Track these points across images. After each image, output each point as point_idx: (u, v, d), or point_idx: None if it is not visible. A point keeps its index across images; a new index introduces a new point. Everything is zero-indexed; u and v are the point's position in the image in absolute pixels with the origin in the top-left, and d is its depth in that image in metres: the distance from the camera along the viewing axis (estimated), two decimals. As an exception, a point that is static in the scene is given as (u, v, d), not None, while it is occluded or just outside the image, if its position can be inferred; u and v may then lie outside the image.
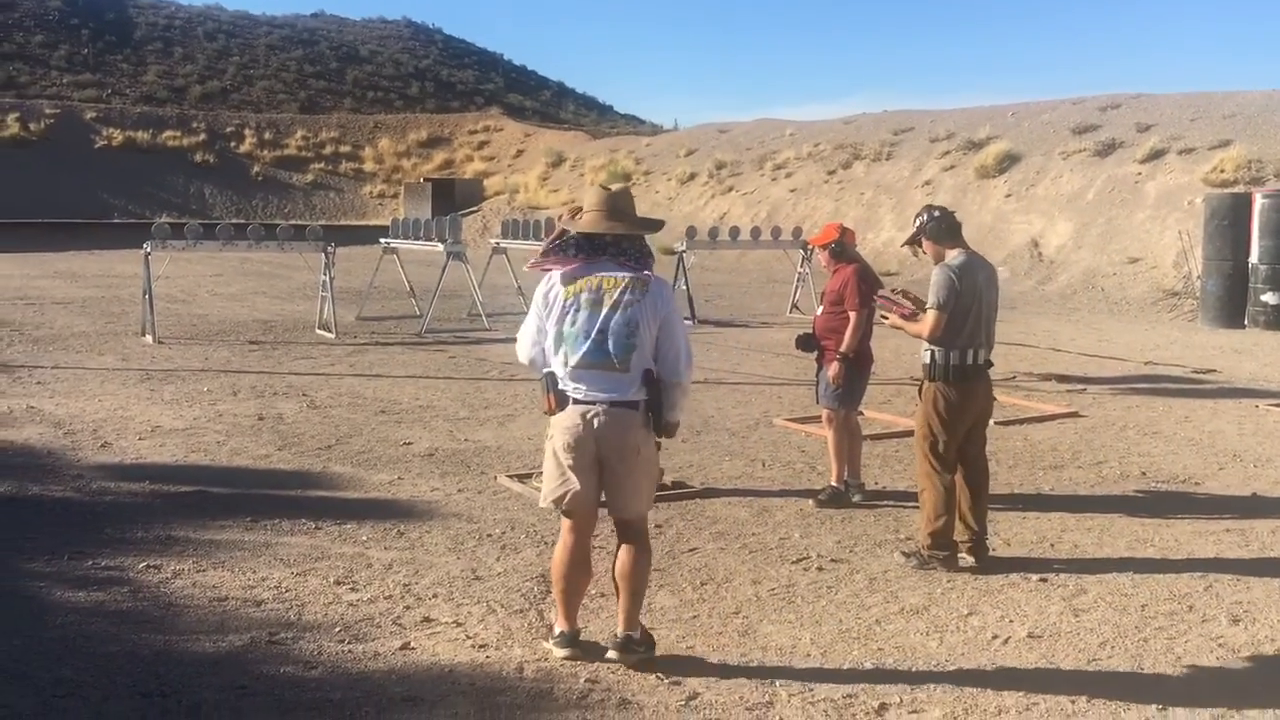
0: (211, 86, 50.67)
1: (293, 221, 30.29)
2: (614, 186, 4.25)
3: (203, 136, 41.48)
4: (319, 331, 13.72)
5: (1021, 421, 8.83)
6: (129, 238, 30.45)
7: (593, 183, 34.35)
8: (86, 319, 14.58)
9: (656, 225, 4.45)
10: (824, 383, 6.65)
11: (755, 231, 21.16)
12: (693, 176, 31.73)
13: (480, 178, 40.26)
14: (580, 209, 7.06)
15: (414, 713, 3.71)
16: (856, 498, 6.58)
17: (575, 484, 4.09)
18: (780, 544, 5.75)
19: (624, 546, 4.20)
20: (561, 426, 4.09)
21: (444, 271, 14.64)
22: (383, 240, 16.64)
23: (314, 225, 15.11)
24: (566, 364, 4.08)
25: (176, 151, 40.48)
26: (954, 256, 5.46)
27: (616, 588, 4.25)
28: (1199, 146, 21.15)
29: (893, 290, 5.92)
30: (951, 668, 4.21)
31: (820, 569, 5.35)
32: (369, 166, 42.95)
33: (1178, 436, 8.37)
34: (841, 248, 6.79)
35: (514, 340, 4.50)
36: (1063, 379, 10.85)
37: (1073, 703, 3.89)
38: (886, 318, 5.68)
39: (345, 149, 43.58)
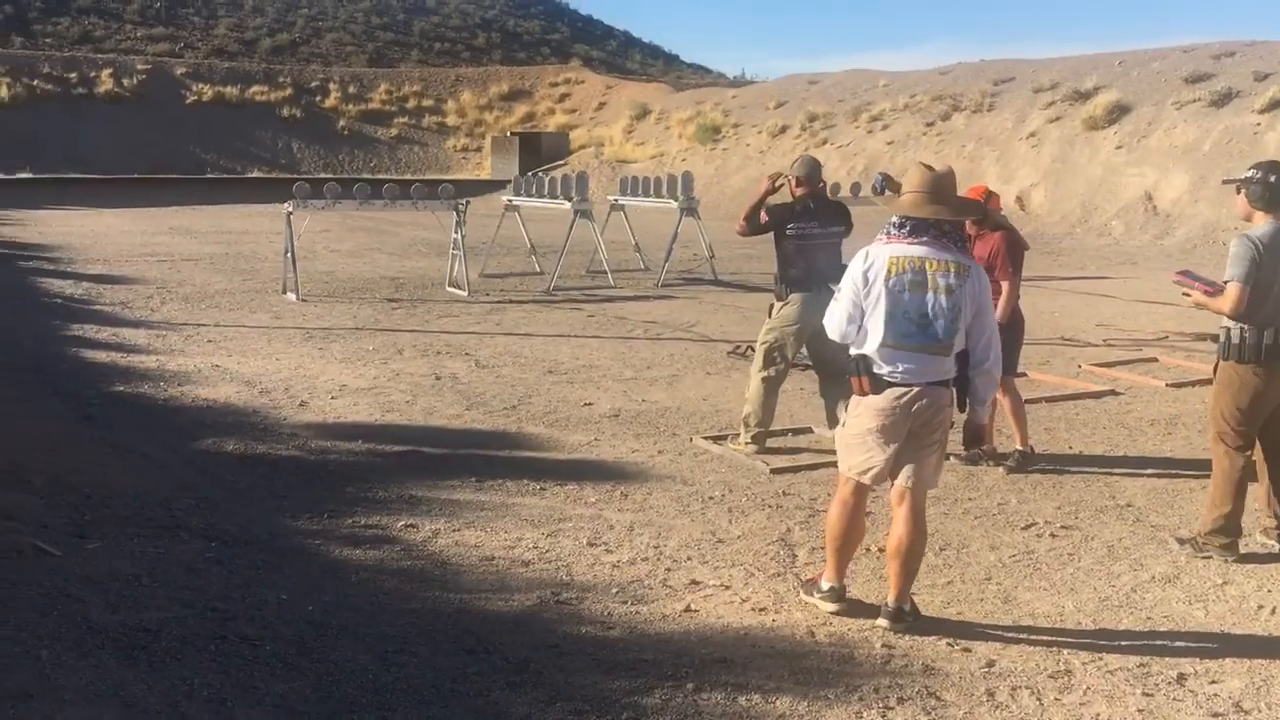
0: (281, 39, 51.05)
1: (393, 177, 30.64)
2: (937, 168, 4.24)
3: (289, 91, 41.89)
4: (450, 289, 13.92)
5: (1195, 384, 8.74)
6: (227, 193, 31.22)
7: (680, 135, 34.41)
8: (222, 276, 14.93)
9: (978, 210, 4.48)
10: None
11: (855, 187, 20.97)
12: (784, 129, 31.46)
13: (564, 131, 40.24)
14: (780, 174, 7.12)
15: (728, 673, 3.85)
16: (990, 462, 6.53)
17: (880, 461, 4.20)
18: (1001, 509, 5.81)
19: (904, 522, 4.29)
20: (875, 408, 4.18)
21: (571, 229, 14.75)
22: (506, 198, 16.78)
23: (445, 184, 15.26)
24: (884, 344, 4.15)
25: (264, 106, 40.95)
26: (1262, 225, 5.04)
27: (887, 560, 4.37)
28: (1322, 95, 20.52)
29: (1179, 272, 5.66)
30: (1228, 638, 4.26)
31: (1054, 535, 5.41)
32: (451, 120, 43.09)
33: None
34: (986, 214, 6.67)
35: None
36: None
37: (1370, 674, 3.93)
38: (1189, 295, 5.43)
39: (428, 103, 43.74)
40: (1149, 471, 6.49)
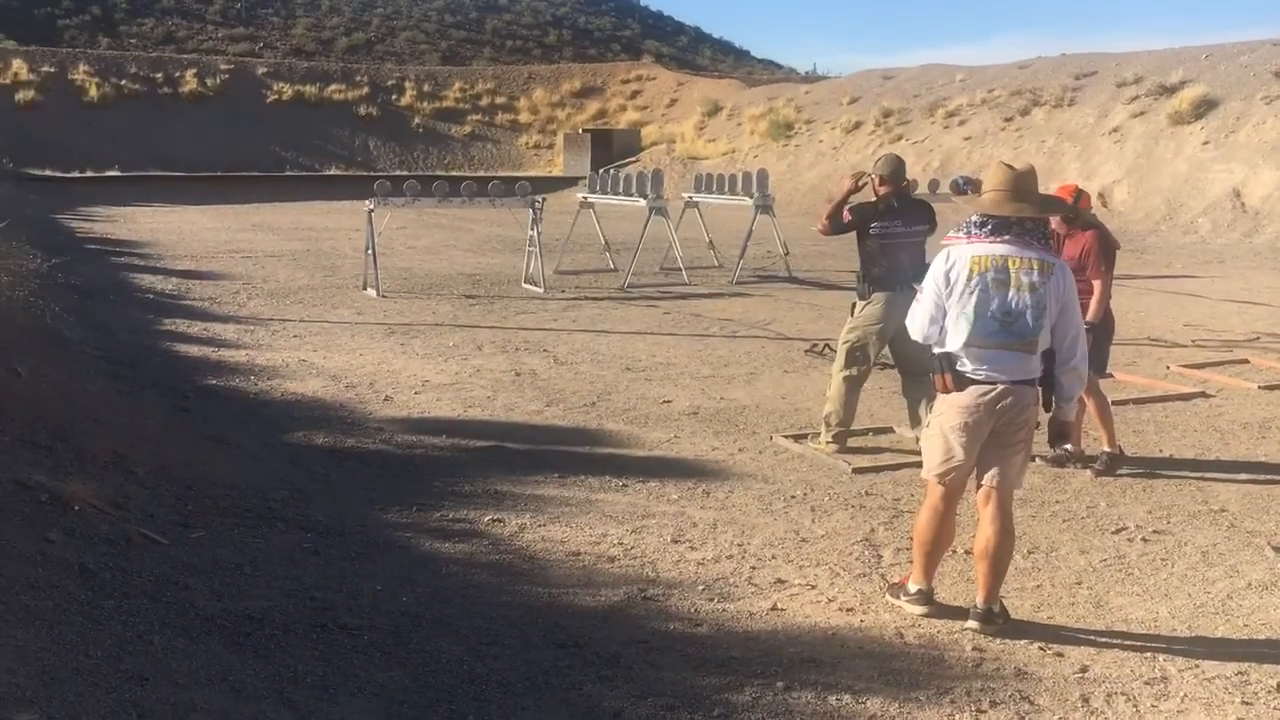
0: (357, 38, 51.91)
1: (467, 174, 31.03)
2: (1019, 166, 4.23)
3: (365, 90, 42.53)
4: (526, 285, 14.06)
5: (1291, 387, 8.54)
6: (306, 190, 31.80)
7: (752, 132, 34.27)
8: (304, 272, 15.24)
9: (1062, 207, 4.44)
10: None
11: (933, 184, 20.74)
12: (858, 125, 31.18)
13: (636, 127, 40.32)
14: (863, 173, 7.08)
15: (817, 673, 3.87)
16: (1077, 465, 6.43)
17: (961, 459, 4.19)
18: (1090, 513, 5.74)
19: (990, 522, 4.27)
20: (959, 406, 4.16)
21: (646, 226, 14.80)
22: (581, 195, 16.90)
23: (522, 181, 15.43)
24: (968, 343, 4.13)
25: (341, 105, 41.60)
26: None
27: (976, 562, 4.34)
28: None
29: None
30: (1331, 647, 4.17)
31: (1145, 540, 5.32)
32: (524, 118, 43.41)
33: None
34: (1076, 212, 6.57)
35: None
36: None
37: None
38: None
39: (500, 100, 44.12)
40: (1242, 476, 6.35)
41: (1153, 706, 3.68)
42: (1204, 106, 22.84)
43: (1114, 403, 7.88)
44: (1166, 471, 6.47)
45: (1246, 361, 9.58)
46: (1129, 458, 6.53)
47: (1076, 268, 6.50)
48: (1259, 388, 8.52)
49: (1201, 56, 25.52)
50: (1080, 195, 6.68)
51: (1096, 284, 6.39)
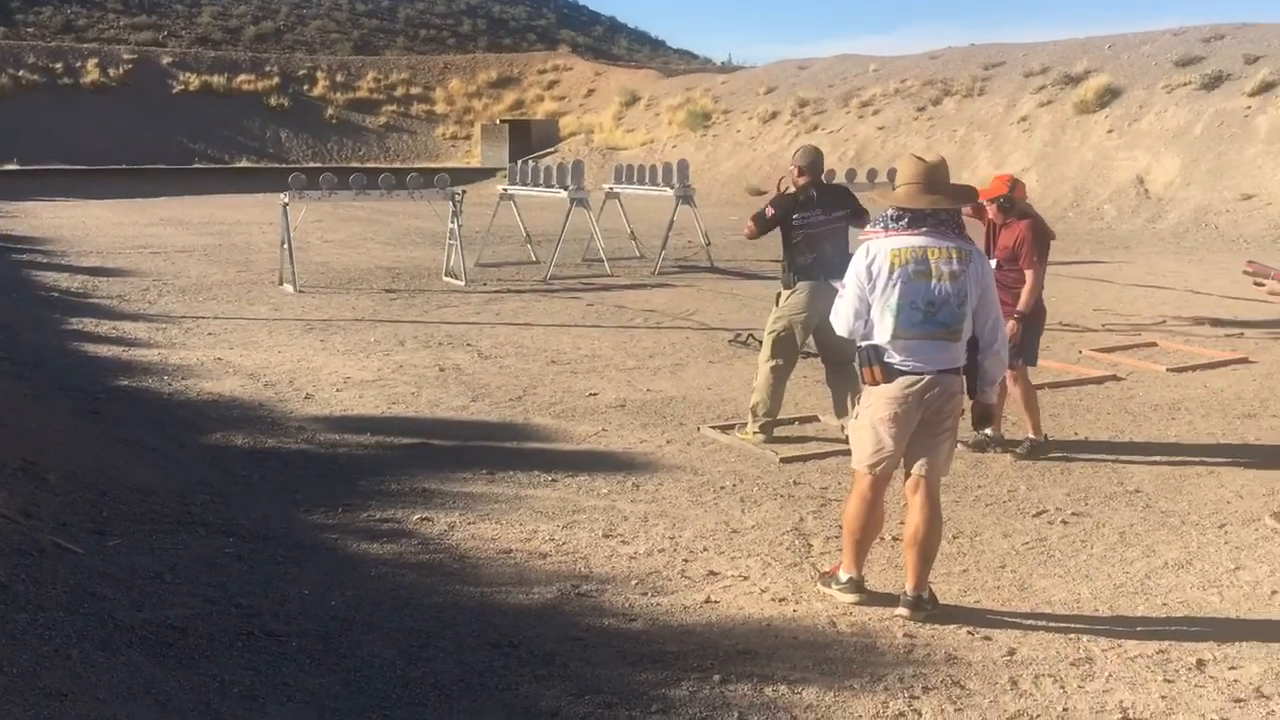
0: (265, 27, 50.73)
1: (383, 165, 30.57)
2: (930, 158, 4.26)
3: (276, 80, 41.67)
4: (447, 279, 13.91)
5: (1195, 368, 8.81)
6: (216, 182, 31.10)
7: (670, 122, 34.34)
8: (217, 268, 14.88)
9: (974, 197, 4.49)
10: None
11: (850, 173, 20.94)
12: (775, 115, 31.43)
13: (554, 118, 40.15)
14: (799, 168, 7.08)
15: (753, 665, 3.88)
16: (998, 449, 6.56)
17: (891, 450, 4.24)
18: (1011, 497, 5.85)
19: (920, 510, 4.32)
20: (887, 398, 4.20)
21: (567, 217, 14.73)
22: (501, 187, 16.76)
23: (441, 174, 15.25)
24: (895, 335, 4.17)
25: (251, 96, 40.75)
26: None
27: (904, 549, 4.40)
28: (1313, 79, 20.61)
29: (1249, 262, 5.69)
30: (1244, 623, 4.30)
31: (1065, 522, 5.44)
32: (440, 108, 42.97)
33: (1361, 383, 8.33)
34: (1011, 202, 6.68)
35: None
36: (1216, 323, 10.77)
37: (1386, 658, 3.97)
38: (1262, 284, 5.41)
39: (416, 91, 43.59)
40: (1155, 457, 6.53)
41: (1079, 688, 3.76)
42: (1108, 96, 23.48)
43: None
44: (1083, 454, 6.62)
45: (1155, 344, 9.86)
46: (1052, 443, 6.67)
47: (1010, 257, 6.61)
48: (1167, 370, 8.77)
49: (1105, 47, 26.21)
50: (1015, 184, 6.76)
51: (1029, 274, 6.48)
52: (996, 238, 6.73)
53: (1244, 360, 9.12)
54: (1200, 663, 3.95)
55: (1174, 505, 5.68)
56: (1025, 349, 6.64)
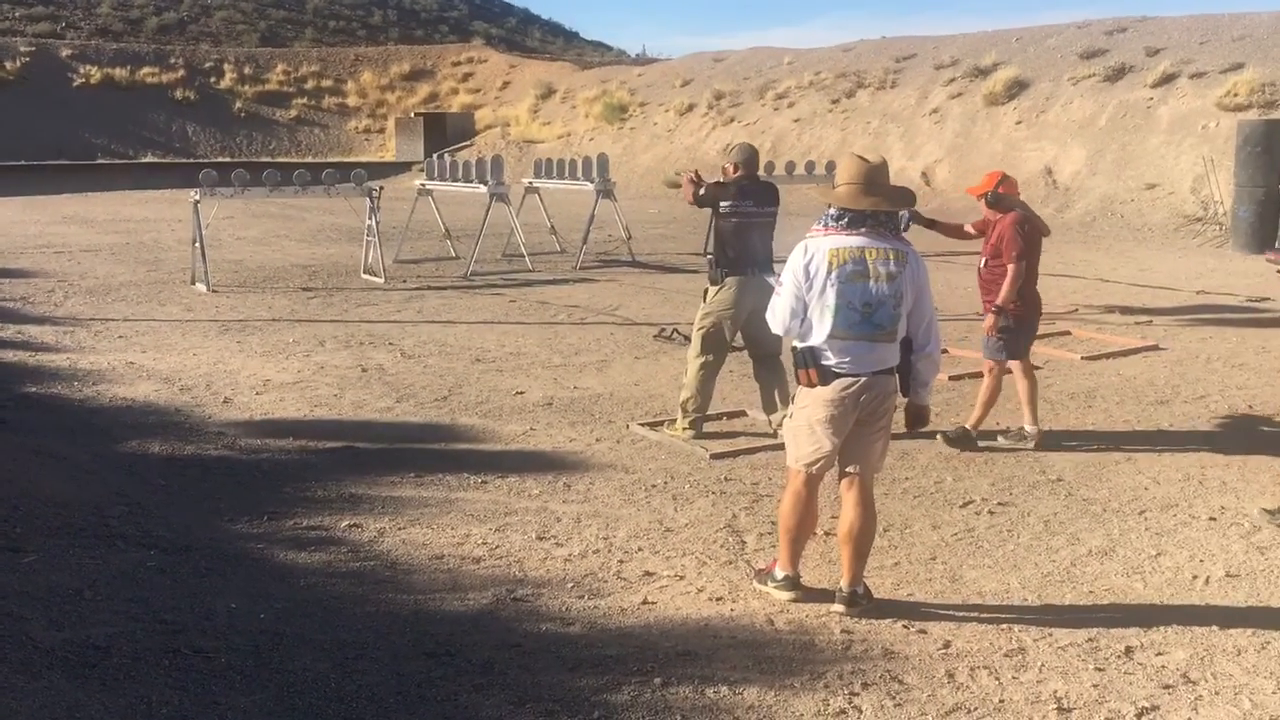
0: (168, 18, 49.29)
1: (295, 160, 29.94)
2: (872, 159, 4.28)
3: (181, 73, 40.57)
4: (365, 276, 13.68)
5: (1108, 356, 9.03)
6: (121, 179, 30.15)
7: (587, 115, 34.19)
8: (125, 267, 14.44)
9: (911, 199, 4.52)
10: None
11: (769, 165, 21.09)
12: (691, 108, 31.46)
13: (469, 111, 39.72)
14: (735, 164, 7.05)
15: (693, 666, 3.87)
16: (1007, 441, 6.69)
17: (828, 450, 4.26)
18: (938, 488, 5.94)
19: (854, 507, 4.36)
20: (823, 400, 4.21)
21: (487, 213, 14.58)
22: (419, 182, 16.52)
23: (358, 169, 14.98)
24: (831, 335, 4.18)
25: (155, 89, 39.59)
26: None
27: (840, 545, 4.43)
28: (1210, 70, 21.24)
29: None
30: (1168, 609, 4.42)
31: (991, 512, 5.54)
32: (352, 101, 42.20)
33: (1265, 367, 8.60)
34: (998, 198, 6.74)
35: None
36: (1125, 311, 11.07)
37: (1302, 638, 4.11)
38: None
39: (327, 83, 42.74)
40: (1074, 445, 6.69)
41: (1014, 679, 3.82)
42: (1016, 88, 23.96)
43: (950, 378, 8.23)
44: (1005, 443, 6.74)
45: (1068, 333, 10.08)
46: (1045, 434, 6.76)
47: (995, 253, 6.69)
48: (1081, 358, 8.99)
49: (1013, 40, 26.73)
50: (1004, 181, 6.81)
51: (1009, 267, 6.54)
52: (991, 234, 6.81)
53: (1154, 348, 9.38)
54: (1129, 650, 4.04)
55: (1095, 493, 5.81)
56: (1016, 345, 6.72)
